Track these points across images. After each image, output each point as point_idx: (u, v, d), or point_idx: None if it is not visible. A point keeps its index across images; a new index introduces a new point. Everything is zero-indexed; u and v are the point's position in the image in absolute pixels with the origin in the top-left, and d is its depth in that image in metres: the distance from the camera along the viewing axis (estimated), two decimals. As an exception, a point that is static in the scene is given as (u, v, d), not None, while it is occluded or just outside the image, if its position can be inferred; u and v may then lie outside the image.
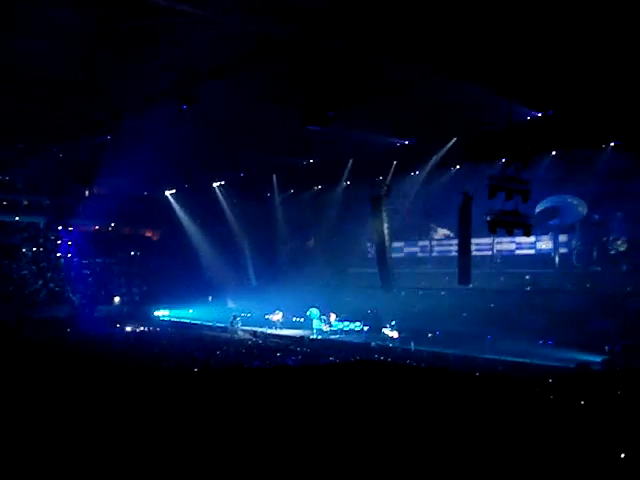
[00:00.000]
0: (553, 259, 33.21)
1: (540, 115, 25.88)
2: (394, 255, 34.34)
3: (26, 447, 6.44)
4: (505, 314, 29.30)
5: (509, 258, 34.72)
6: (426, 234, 39.30)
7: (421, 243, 39.68)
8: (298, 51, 19.14)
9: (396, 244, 36.72)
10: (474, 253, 32.22)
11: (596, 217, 30.85)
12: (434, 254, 38.92)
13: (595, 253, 31.44)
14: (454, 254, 33.28)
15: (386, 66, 20.91)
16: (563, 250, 33.02)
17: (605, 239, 30.84)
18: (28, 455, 6.28)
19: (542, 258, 33.45)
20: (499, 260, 35.04)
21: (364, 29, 17.54)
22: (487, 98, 23.11)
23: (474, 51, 19.18)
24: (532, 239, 32.63)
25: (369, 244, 39.68)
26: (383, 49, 19.07)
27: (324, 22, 17.22)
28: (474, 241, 31.28)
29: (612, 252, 30.48)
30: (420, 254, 39.59)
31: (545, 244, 33.43)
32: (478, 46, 18.80)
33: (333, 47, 18.44)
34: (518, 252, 34.30)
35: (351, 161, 35.42)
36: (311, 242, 43.07)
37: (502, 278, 34.15)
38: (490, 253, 35.09)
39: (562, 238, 32.78)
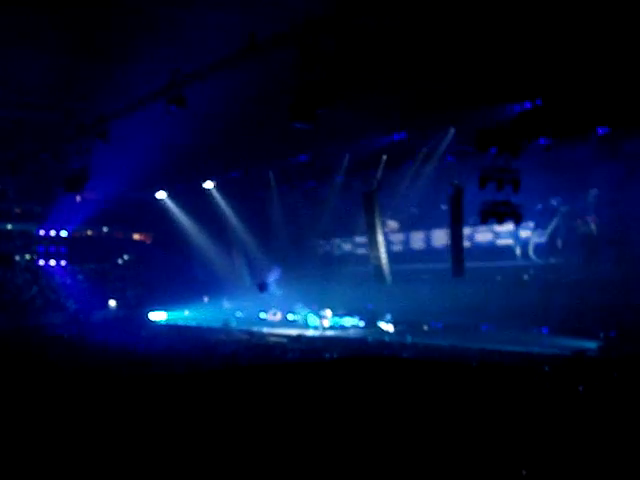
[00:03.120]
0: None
1: (529, 105, 25.94)
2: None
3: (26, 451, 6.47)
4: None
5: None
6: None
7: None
8: (286, 49, 19.14)
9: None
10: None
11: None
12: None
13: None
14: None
15: (375, 62, 20.94)
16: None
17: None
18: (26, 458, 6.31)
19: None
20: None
21: (353, 27, 17.59)
22: (475, 89, 23.20)
23: (463, 43, 19.24)
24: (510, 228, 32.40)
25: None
26: (373, 46, 19.13)
27: (312, 19, 17.24)
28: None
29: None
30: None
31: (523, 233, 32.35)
32: (467, 37, 18.85)
33: (321, 44, 18.44)
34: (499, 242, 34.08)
35: (347, 156, 35.26)
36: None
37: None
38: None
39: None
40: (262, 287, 29.67)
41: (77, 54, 19.74)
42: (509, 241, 33.38)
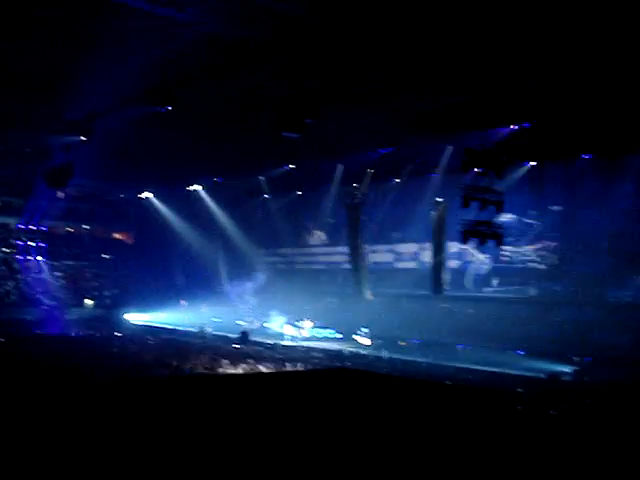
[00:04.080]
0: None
1: (516, 127, 26.09)
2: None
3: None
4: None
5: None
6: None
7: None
8: (274, 57, 19.15)
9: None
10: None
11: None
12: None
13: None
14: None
15: (364, 73, 20.97)
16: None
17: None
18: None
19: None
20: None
21: (341, 36, 17.60)
22: (464, 108, 23.34)
23: (454, 61, 19.31)
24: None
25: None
26: (360, 57, 19.15)
27: (300, 28, 17.24)
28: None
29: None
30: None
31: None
32: (458, 56, 18.93)
33: (310, 54, 18.49)
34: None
35: (326, 168, 35.34)
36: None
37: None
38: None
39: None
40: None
41: (67, 47, 19.60)
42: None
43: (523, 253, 30.41)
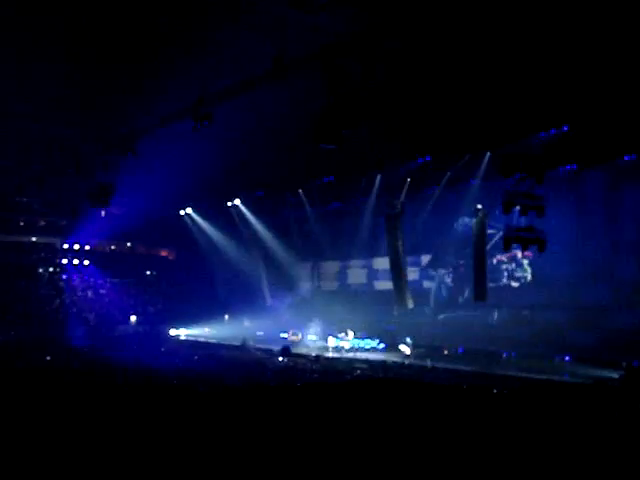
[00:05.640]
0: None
1: (555, 131, 25.84)
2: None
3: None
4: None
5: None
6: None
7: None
8: (313, 70, 19.29)
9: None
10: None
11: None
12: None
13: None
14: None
15: (401, 83, 21.02)
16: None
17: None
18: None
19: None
20: None
21: (379, 49, 17.68)
22: (501, 113, 23.20)
23: (488, 65, 19.25)
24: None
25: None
26: (398, 68, 19.22)
27: (337, 42, 17.38)
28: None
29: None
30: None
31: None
32: (493, 60, 18.86)
33: (348, 66, 18.57)
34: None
35: (364, 179, 35.30)
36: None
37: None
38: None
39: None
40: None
41: (107, 69, 20.01)
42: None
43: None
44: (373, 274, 39.46)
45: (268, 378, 22.09)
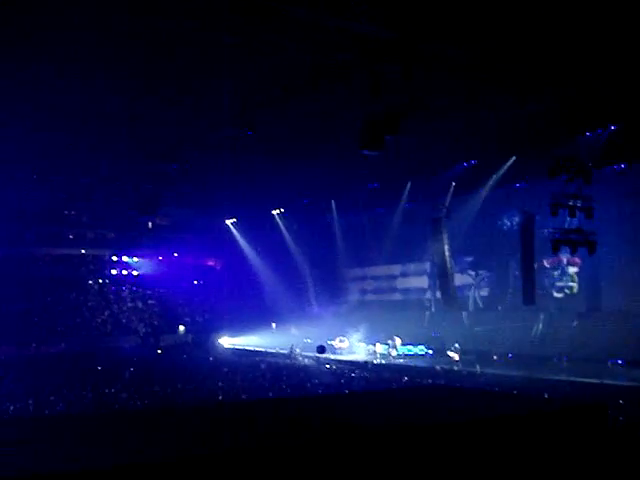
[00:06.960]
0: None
1: (601, 130, 25.38)
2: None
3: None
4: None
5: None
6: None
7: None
8: (354, 77, 19.27)
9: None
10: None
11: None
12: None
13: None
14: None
15: (443, 87, 20.88)
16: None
17: None
18: None
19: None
20: None
21: (419, 53, 17.58)
22: (547, 115, 22.87)
23: (533, 68, 19.00)
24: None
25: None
26: (439, 71, 19.09)
27: (378, 48, 17.33)
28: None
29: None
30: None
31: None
32: (538, 62, 18.61)
33: (389, 71, 18.50)
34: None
35: (409, 184, 35.16)
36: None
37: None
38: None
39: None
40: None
41: (150, 80, 20.27)
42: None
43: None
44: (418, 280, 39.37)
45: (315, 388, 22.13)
